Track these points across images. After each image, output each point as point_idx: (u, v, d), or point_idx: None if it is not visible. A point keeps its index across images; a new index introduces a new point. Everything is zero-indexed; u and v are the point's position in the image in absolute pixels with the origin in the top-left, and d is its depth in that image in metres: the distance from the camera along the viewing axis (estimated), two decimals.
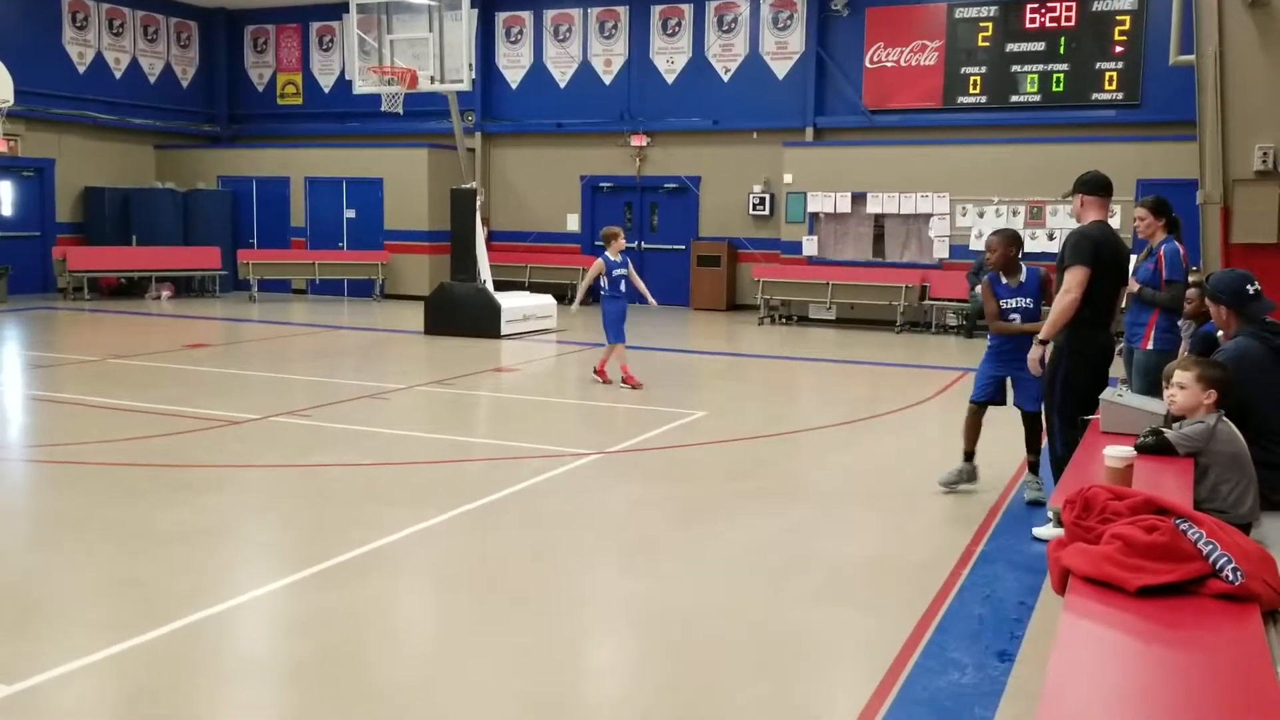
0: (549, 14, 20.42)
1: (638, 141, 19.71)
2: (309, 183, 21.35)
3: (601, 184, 20.33)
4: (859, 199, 17.58)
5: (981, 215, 16.92)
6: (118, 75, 21.27)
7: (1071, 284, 5.75)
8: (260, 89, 22.95)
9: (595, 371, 11.02)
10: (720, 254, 19.00)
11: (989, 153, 16.90)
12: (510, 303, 15.27)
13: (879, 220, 17.73)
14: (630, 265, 10.94)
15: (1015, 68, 17.23)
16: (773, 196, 18.80)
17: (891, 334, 16.35)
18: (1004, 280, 6.84)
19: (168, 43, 22.27)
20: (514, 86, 20.84)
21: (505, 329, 14.86)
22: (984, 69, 17.44)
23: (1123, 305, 6.82)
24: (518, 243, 20.68)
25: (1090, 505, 2.91)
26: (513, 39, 20.75)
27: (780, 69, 18.90)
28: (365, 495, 6.73)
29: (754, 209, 19.03)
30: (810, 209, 17.86)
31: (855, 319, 17.17)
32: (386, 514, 6.18)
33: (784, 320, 17.51)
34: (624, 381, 10.68)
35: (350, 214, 21.10)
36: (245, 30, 22.92)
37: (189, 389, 10.31)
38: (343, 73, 21.56)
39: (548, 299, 16.03)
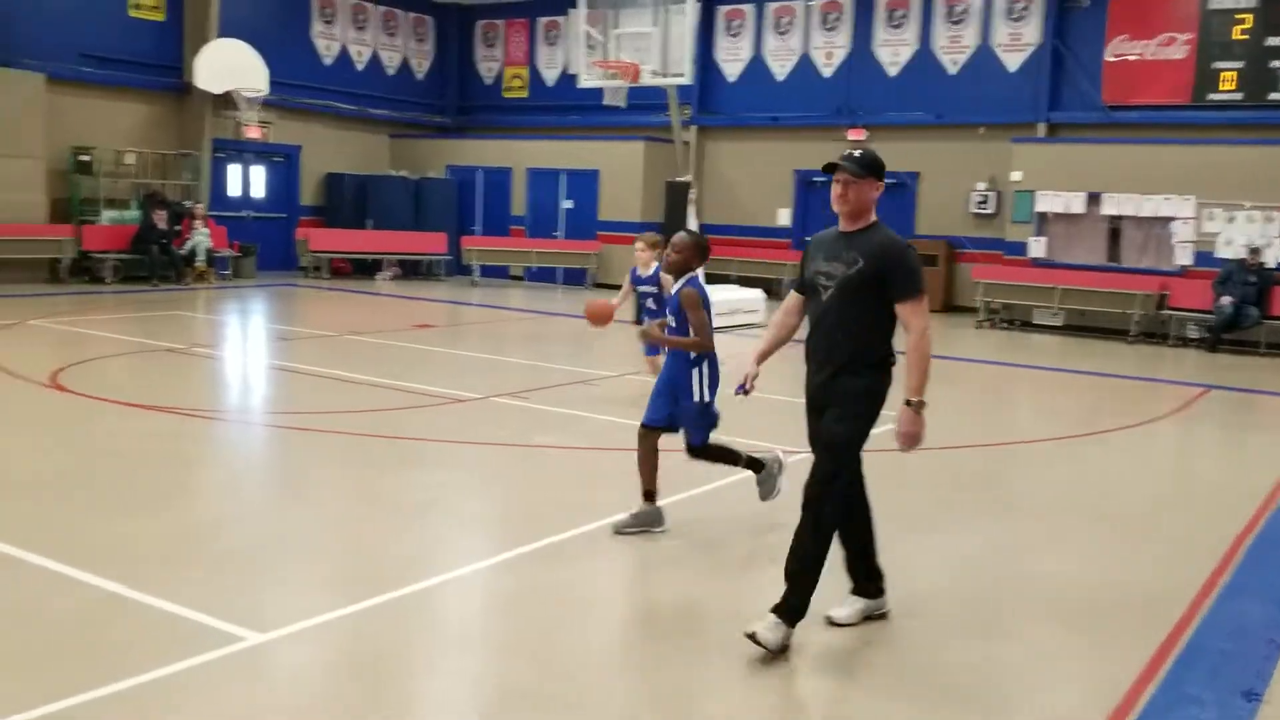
0: (771, 6, 20.30)
1: (855, 135, 19.30)
2: (530, 173, 22.02)
3: (814, 179, 20.05)
4: (1094, 199, 16.64)
5: (1231, 220, 15.71)
6: (359, 67, 22.56)
7: (926, 321, 4.29)
8: (488, 82, 23.84)
9: None
10: (938, 253, 18.39)
11: (1241, 154, 15.66)
12: (718, 296, 15.24)
13: (1115, 222, 16.74)
14: (661, 284, 8.33)
15: (1275, 63, 15.87)
16: (998, 195, 18.05)
17: (1124, 344, 15.40)
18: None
19: (405, 37, 23.45)
20: (731, 80, 20.83)
21: (712, 322, 14.83)
22: (1240, 64, 16.15)
23: None
24: (727, 236, 20.67)
25: None
26: (732, 32, 20.74)
27: (1012, 61, 18.11)
28: (580, 478, 6.87)
29: (976, 207, 18.33)
30: (1039, 208, 17.05)
31: (1084, 326, 16.27)
32: (600, 498, 6.28)
33: (1005, 324, 16.79)
34: None
35: (568, 204, 21.64)
36: (477, 24, 23.85)
37: (416, 366, 10.83)
38: (566, 66, 22.11)
39: (756, 293, 15.95)
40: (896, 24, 19.07)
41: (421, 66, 23.83)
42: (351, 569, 5.08)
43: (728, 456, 5.82)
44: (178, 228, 18.06)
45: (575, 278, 21.12)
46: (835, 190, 4.41)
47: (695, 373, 5.61)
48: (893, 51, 19.13)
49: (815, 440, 4.50)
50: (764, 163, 20.42)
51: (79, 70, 17.83)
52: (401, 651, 4.20)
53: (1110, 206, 16.54)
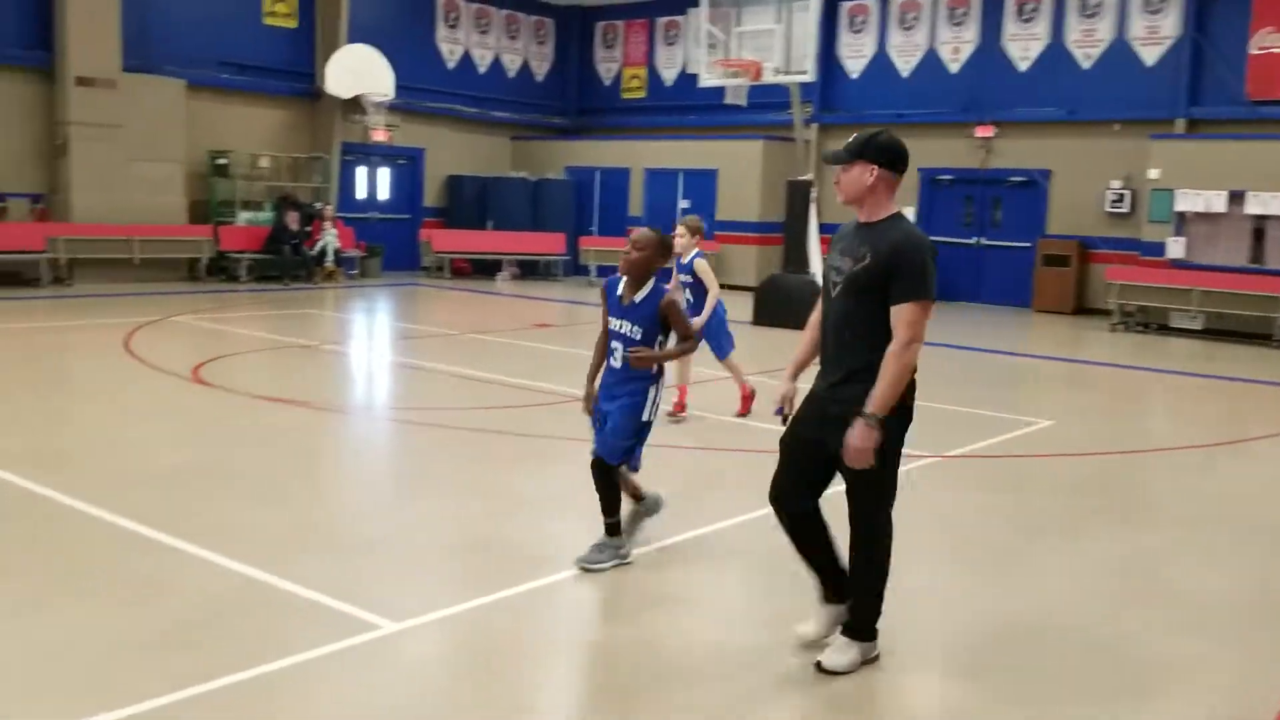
0: (896, 1, 19.93)
1: (983, 133, 18.82)
2: (647, 174, 22.08)
3: (939, 176, 19.61)
4: (1236, 198, 15.86)
5: None
6: (481, 70, 22.95)
7: (919, 331, 3.78)
8: (607, 83, 23.99)
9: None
10: (1069, 253, 17.82)
11: None
12: None
13: (1259, 222, 15.93)
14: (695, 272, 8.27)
15: None
16: (1134, 193, 17.37)
17: (1269, 349, 14.64)
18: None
19: (526, 39, 23.77)
20: (854, 77, 20.52)
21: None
22: None
23: None
24: None
25: None
26: (856, 28, 20.43)
27: (1149, 55, 17.41)
28: (697, 479, 6.83)
29: (1111, 205, 17.67)
30: (1177, 208, 16.34)
31: (1225, 330, 15.53)
32: (717, 499, 6.24)
33: (1140, 327, 16.13)
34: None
35: (685, 204, 21.61)
36: (596, 26, 24.02)
37: (537, 364, 10.95)
38: (685, 66, 22.10)
39: None
40: (1027, 18, 18.51)
41: (541, 69, 24.12)
42: (476, 563, 5.14)
43: (618, 493, 5.07)
44: (308, 229, 18.67)
45: None
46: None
47: (653, 390, 5.04)
48: (1023, 46, 18.58)
49: (798, 446, 4.09)
50: None
51: (217, 77, 18.58)
52: (521, 649, 4.24)
53: (1254, 205, 15.73)
